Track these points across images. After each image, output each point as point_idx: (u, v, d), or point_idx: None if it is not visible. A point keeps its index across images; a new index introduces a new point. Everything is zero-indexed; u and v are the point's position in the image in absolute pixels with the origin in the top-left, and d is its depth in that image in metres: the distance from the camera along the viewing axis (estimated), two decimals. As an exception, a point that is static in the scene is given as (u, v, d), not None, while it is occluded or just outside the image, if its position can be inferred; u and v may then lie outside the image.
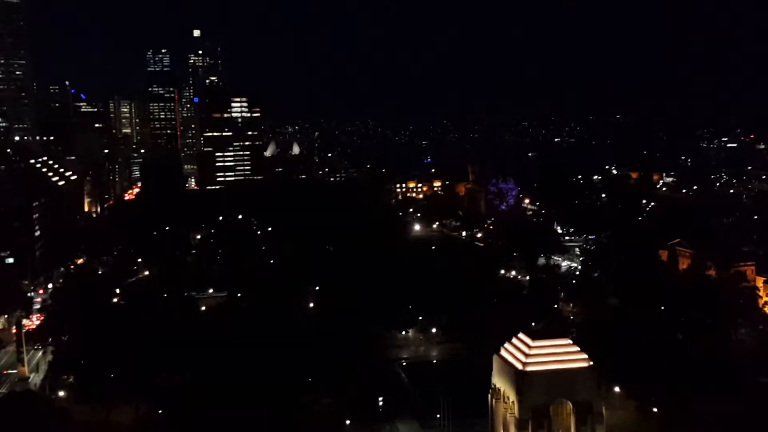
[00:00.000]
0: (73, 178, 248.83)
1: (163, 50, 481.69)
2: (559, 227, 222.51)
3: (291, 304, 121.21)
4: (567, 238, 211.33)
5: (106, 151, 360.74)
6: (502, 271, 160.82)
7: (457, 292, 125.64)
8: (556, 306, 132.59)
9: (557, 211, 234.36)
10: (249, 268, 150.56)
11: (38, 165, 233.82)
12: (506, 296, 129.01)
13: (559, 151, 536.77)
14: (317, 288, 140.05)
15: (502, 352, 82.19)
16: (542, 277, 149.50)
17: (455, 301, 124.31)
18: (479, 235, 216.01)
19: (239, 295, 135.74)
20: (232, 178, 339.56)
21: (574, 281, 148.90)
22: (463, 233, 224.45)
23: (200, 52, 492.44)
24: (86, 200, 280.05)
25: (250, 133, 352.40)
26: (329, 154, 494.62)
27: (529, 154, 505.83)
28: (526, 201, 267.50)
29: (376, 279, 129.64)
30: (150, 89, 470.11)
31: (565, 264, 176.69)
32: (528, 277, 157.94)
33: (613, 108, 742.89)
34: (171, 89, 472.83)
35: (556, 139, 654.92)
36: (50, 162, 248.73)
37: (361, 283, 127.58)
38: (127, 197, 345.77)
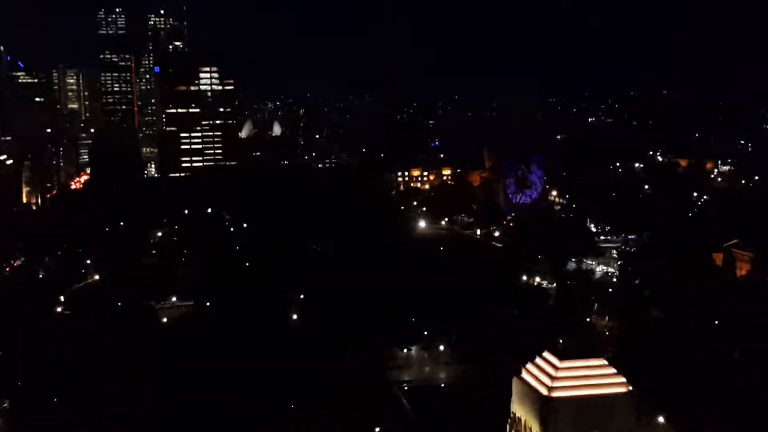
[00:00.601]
0: (8, 162, 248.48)
1: (117, 9, 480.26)
2: (592, 225, 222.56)
3: (270, 315, 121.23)
4: (602, 238, 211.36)
5: (49, 130, 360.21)
6: (525, 277, 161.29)
7: (470, 302, 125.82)
8: (588, 319, 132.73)
9: (591, 206, 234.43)
10: (220, 272, 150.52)
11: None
12: (529, 307, 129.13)
13: (594, 133, 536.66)
14: (302, 296, 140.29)
15: (524, 375, 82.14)
16: (572, 284, 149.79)
17: (467, 313, 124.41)
18: (497, 233, 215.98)
19: (208, 304, 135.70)
20: (200, 164, 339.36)
21: (610, 290, 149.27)
22: (478, 231, 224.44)
23: (162, 11, 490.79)
24: (24, 189, 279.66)
25: (221, 109, 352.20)
26: (317, 136, 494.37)
27: (558, 137, 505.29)
28: (554, 193, 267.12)
29: (372, 285, 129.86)
30: (102, 56, 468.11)
31: (599, 269, 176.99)
32: (555, 285, 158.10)
33: (658, 81, 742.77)
34: (127, 56, 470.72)
35: (590, 119, 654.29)
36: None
37: (355, 290, 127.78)
38: (73, 186, 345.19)
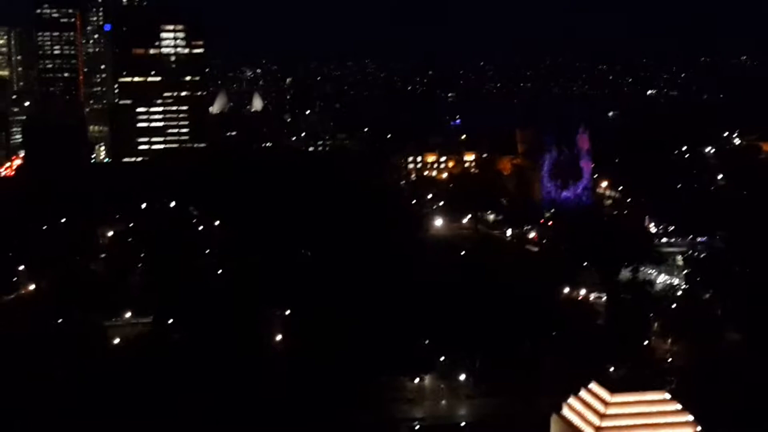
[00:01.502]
0: None
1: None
2: (652, 224, 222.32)
3: (248, 336, 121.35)
4: (664, 240, 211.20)
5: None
6: (567, 289, 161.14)
7: (498, 321, 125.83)
8: (646, 342, 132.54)
9: (650, 200, 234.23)
10: (185, 281, 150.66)
11: None
12: (572, 327, 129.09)
13: (654, 109, 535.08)
14: (287, 312, 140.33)
15: (566, 411, 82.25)
16: (626, 298, 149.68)
17: (494, 334, 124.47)
18: (532, 234, 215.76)
19: (170, 322, 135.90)
20: (162, 146, 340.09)
21: (674, 305, 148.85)
22: (508, 232, 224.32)
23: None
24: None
25: (188, 78, 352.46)
26: (307, 112, 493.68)
27: (609, 114, 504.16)
28: (604, 185, 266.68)
29: (375, 299, 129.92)
30: (39, 12, 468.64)
31: (661, 279, 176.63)
32: (605, 299, 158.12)
33: (736, 46, 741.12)
34: (70, 11, 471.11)
35: (649, 92, 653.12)
36: None
37: (354, 304, 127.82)
38: (4, 172, 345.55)
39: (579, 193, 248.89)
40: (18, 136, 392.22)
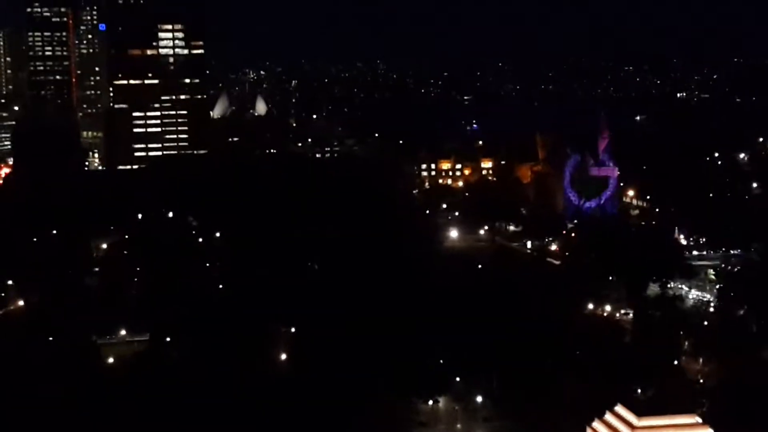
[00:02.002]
0: None
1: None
2: (682, 236, 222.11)
3: (251, 355, 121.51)
4: (695, 253, 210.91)
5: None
6: (591, 305, 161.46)
7: (517, 338, 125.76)
8: (676, 362, 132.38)
9: (680, 210, 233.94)
10: (184, 297, 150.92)
11: None
12: (596, 346, 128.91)
13: (684, 113, 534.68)
14: (293, 329, 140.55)
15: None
16: (654, 315, 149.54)
17: (513, 353, 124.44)
18: (554, 247, 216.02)
19: (168, 339, 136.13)
20: (159, 153, 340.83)
21: (705, 322, 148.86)
22: (529, 244, 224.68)
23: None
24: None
25: (187, 80, 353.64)
26: (314, 116, 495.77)
27: (636, 118, 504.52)
28: (630, 193, 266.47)
29: (386, 315, 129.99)
30: (29, 10, 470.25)
31: (692, 295, 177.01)
32: (632, 315, 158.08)
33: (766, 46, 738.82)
34: (63, 10, 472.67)
35: (678, 94, 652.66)
36: None
37: (363, 321, 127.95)
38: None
39: (604, 203, 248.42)
40: (7, 143, 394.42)
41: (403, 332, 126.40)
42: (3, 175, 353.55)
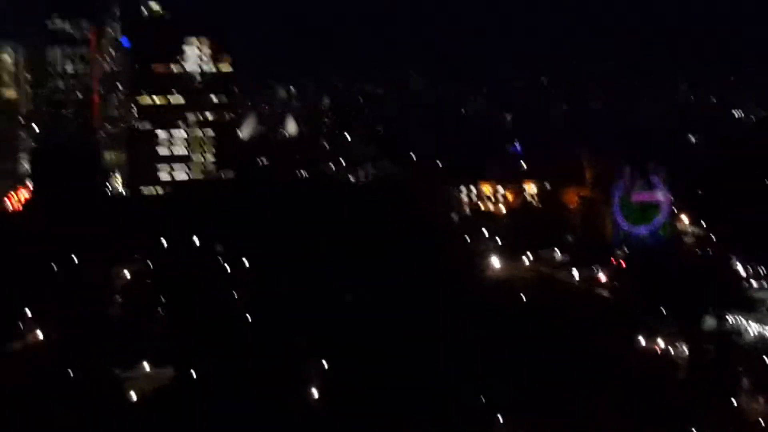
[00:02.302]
0: None
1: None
2: (740, 265, 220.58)
3: (281, 391, 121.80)
4: (754, 283, 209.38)
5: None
6: (642, 339, 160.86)
7: (563, 374, 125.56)
8: (735, 403, 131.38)
9: (738, 238, 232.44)
10: (210, 328, 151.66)
11: None
12: (648, 382, 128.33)
13: (742, 132, 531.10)
14: (324, 363, 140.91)
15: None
16: (710, 350, 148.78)
17: (558, 390, 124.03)
18: (602, 276, 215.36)
19: (193, 374, 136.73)
20: (185, 176, 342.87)
21: (766, 359, 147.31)
22: (575, 273, 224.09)
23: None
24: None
25: (215, 98, 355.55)
26: (347, 136, 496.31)
27: (692, 138, 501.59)
28: (685, 220, 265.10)
29: (424, 348, 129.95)
30: (49, 24, 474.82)
31: (754, 329, 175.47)
32: (686, 350, 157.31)
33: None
34: (84, 25, 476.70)
35: (735, 112, 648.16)
36: None
37: (400, 354, 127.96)
38: (9, 206, 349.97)
39: (656, 230, 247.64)
40: (26, 164, 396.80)
41: (441, 366, 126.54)
42: (22, 200, 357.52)
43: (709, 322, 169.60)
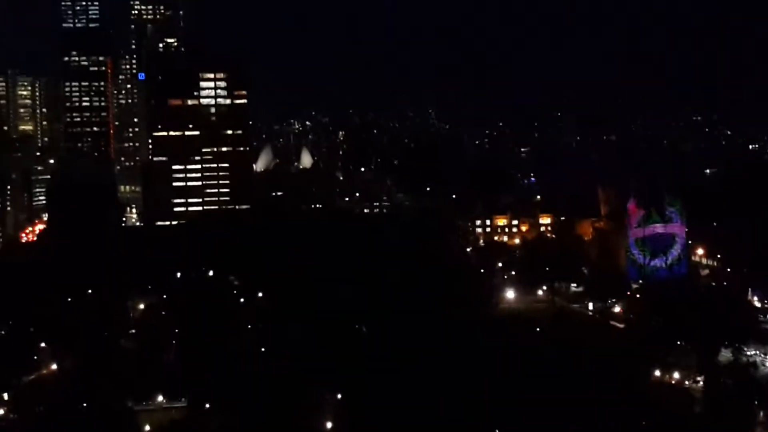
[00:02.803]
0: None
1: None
2: (756, 298, 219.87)
3: (295, 423, 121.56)
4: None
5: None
6: (658, 373, 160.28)
7: (578, 406, 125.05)
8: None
9: (753, 270, 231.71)
10: (225, 361, 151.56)
11: None
12: (664, 415, 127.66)
13: (757, 166, 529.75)
14: (340, 397, 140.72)
15: None
16: (727, 383, 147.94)
17: (572, 422, 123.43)
18: (617, 309, 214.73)
19: (207, 407, 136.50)
20: (200, 208, 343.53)
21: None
22: (590, 305, 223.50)
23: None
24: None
25: (230, 132, 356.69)
26: (362, 169, 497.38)
27: (707, 171, 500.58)
28: (700, 252, 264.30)
29: (439, 381, 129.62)
30: (66, 59, 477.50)
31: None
32: (701, 383, 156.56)
33: None
34: (101, 59, 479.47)
35: (751, 146, 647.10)
36: None
37: (414, 387, 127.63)
38: (25, 237, 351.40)
39: (671, 262, 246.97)
40: (42, 197, 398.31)
41: (457, 399, 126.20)
42: (37, 232, 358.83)
43: (726, 354, 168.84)
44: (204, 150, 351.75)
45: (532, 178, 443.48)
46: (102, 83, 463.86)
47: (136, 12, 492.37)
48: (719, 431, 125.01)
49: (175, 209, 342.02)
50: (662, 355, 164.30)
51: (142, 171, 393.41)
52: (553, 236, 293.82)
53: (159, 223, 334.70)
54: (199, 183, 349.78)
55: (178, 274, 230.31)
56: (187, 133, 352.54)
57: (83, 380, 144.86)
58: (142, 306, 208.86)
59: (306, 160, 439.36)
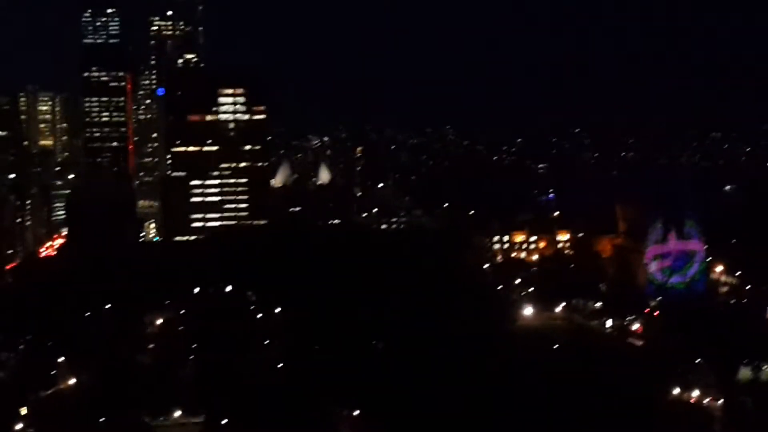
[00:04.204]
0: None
1: (109, 10, 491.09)
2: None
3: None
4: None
5: (12, 175, 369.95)
6: (677, 390, 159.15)
7: (596, 424, 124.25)
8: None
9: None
10: (242, 376, 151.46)
11: None
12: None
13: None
14: (356, 412, 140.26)
15: None
16: (747, 401, 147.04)
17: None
18: (636, 327, 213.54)
19: (225, 422, 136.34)
20: (218, 223, 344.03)
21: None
22: (609, 323, 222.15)
23: (169, 13, 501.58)
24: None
25: (248, 147, 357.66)
26: (380, 185, 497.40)
27: (726, 188, 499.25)
28: (719, 269, 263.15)
29: (456, 398, 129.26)
30: (86, 74, 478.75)
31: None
32: (722, 402, 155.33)
33: None
34: (121, 74, 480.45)
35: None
36: None
37: (431, 404, 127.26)
38: (44, 252, 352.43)
39: (690, 279, 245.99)
40: (61, 212, 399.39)
41: (473, 416, 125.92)
42: (57, 246, 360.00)
43: (745, 372, 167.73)
44: (222, 165, 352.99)
45: (551, 195, 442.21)
46: (121, 99, 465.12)
47: (156, 28, 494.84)
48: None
49: (193, 224, 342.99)
50: (681, 373, 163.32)
51: (160, 186, 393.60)
52: (571, 253, 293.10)
53: (177, 238, 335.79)
54: (218, 198, 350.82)
55: (196, 290, 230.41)
56: (205, 148, 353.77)
57: (100, 395, 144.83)
58: (159, 321, 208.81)
59: (324, 176, 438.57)
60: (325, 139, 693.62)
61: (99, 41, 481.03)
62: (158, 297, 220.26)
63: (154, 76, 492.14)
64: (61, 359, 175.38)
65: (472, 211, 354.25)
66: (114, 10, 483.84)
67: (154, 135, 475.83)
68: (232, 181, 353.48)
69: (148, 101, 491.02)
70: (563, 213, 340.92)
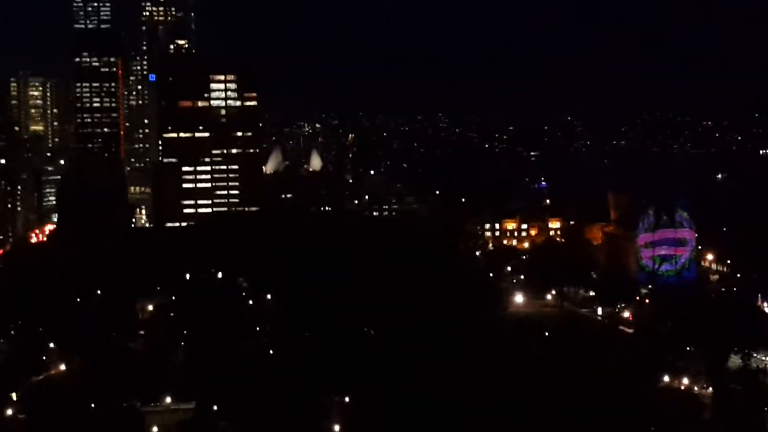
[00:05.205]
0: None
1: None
2: (766, 303, 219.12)
3: (303, 425, 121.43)
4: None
5: (3, 161, 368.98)
6: (666, 378, 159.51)
7: (587, 412, 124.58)
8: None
9: (763, 276, 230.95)
10: (233, 363, 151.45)
11: None
12: (672, 421, 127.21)
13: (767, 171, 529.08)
14: (346, 399, 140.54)
15: None
16: (736, 389, 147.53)
17: (582, 424, 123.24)
18: (626, 314, 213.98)
19: (215, 408, 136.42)
20: (209, 210, 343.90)
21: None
22: (599, 310, 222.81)
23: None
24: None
25: (240, 133, 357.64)
26: (371, 171, 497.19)
27: (718, 176, 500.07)
28: (709, 257, 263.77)
29: (447, 385, 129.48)
30: (77, 60, 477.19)
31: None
32: (711, 389, 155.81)
33: None
34: (112, 60, 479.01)
35: (762, 151, 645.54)
36: None
37: (422, 390, 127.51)
38: (34, 238, 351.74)
39: (681, 267, 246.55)
40: (51, 198, 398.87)
41: (465, 402, 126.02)
42: (47, 232, 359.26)
43: (735, 360, 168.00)
44: (214, 152, 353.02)
45: (542, 183, 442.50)
46: (113, 84, 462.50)
47: (148, 13, 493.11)
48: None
49: (185, 210, 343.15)
50: (671, 361, 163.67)
51: (152, 172, 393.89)
52: (563, 240, 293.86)
53: (168, 224, 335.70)
54: (209, 184, 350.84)
55: (187, 276, 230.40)
56: (197, 134, 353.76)
57: (91, 381, 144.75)
58: (150, 307, 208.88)
59: (315, 163, 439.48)
60: (317, 125, 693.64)
61: (90, 26, 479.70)
62: (149, 283, 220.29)
63: (145, 62, 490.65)
64: (51, 345, 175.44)
65: (464, 199, 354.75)
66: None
67: (146, 121, 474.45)
68: (223, 167, 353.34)
69: (139, 87, 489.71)
70: (555, 200, 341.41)
